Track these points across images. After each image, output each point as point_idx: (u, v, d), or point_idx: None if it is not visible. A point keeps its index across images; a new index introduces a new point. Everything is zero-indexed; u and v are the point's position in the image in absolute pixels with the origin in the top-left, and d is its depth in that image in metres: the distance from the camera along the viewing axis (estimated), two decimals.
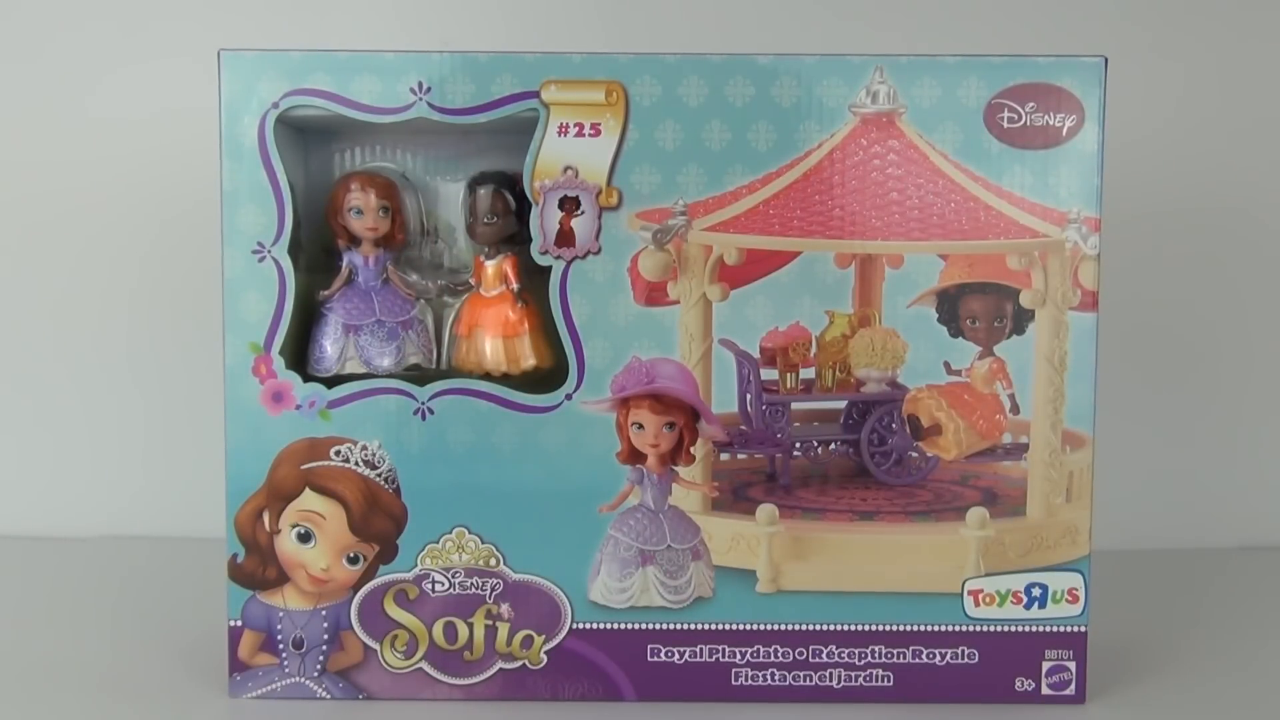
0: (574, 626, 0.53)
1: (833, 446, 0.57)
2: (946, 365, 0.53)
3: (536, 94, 0.51)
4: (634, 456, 0.52)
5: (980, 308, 0.53)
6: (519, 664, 0.54)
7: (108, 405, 0.81)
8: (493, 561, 0.53)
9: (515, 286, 0.55)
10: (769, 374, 0.54)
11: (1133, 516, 0.73)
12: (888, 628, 0.54)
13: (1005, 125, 0.51)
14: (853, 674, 0.54)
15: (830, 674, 0.54)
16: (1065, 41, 0.77)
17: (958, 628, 0.54)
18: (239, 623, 0.53)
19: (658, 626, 0.53)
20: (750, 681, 0.54)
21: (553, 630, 0.53)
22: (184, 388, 0.79)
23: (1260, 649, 0.62)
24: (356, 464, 0.52)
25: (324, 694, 0.54)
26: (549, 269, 0.52)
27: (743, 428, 0.55)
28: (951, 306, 0.53)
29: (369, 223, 0.54)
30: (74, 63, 0.78)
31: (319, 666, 0.54)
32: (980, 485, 0.55)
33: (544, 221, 0.52)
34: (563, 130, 0.51)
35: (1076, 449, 0.53)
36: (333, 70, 0.51)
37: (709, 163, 0.51)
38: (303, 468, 0.52)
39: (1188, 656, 0.60)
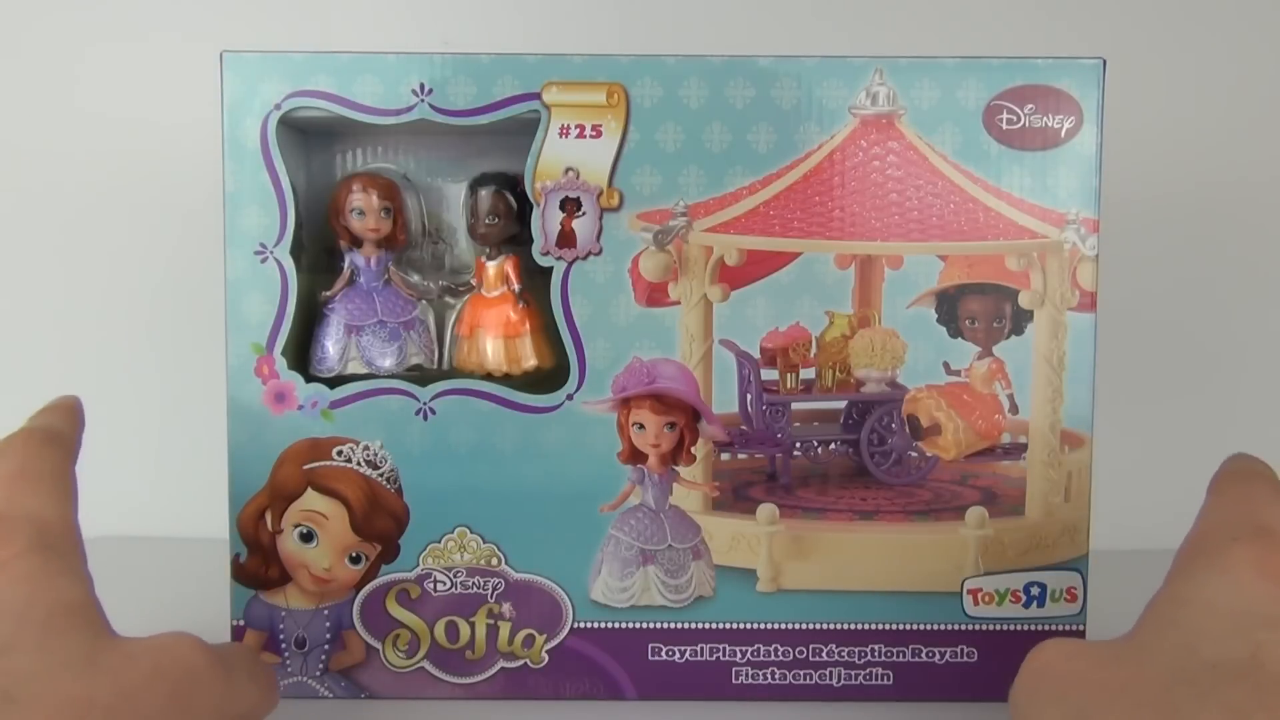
0: (575, 626, 0.54)
1: (833, 446, 0.57)
2: (946, 365, 0.53)
3: (538, 95, 0.51)
4: (635, 456, 0.53)
5: (979, 308, 0.53)
6: (520, 663, 0.54)
7: (110, 406, 0.81)
8: (494, 561, 0.53)
9: (516, 287, 0.55)
10: (769, 374, 0.54)
11: (1131, 516, 0.73)
12: (888, 627, 0.54)
13: (1004, 127, 0.51)
14: (852, 673, 0.54)
15: (830, 673, 0.54)
16: (1064, 43, 0.77)
17: (957, 626, 0.54)
18: (242, 622, 0.54)
19: (659, 625, 0.54)
20: (750, 680, 0.54)
21: (554, 629, 0.54)
22: (186, 388, 0.79)
23: None
24: (359, 464, 0.53)
25: (326, 693, 0.54)
26: (550, 270, 0.52)
27: (743, 428, 0.55)
28: (951, 307, 0.53)
29: (371, 224, 0.54)
30: (75, 64, 0.78)
31: (321, 666, 0.54)
32: (979, 485, 0.55)
33: (545, 222, 0.52)
34: (564, 132, 0.51)
35: (1075, 449, 0.53)
36: (335, 72, 0.51)
37: (709, 164, 0.51)
38: (305, 468, 0.53)
39: None
